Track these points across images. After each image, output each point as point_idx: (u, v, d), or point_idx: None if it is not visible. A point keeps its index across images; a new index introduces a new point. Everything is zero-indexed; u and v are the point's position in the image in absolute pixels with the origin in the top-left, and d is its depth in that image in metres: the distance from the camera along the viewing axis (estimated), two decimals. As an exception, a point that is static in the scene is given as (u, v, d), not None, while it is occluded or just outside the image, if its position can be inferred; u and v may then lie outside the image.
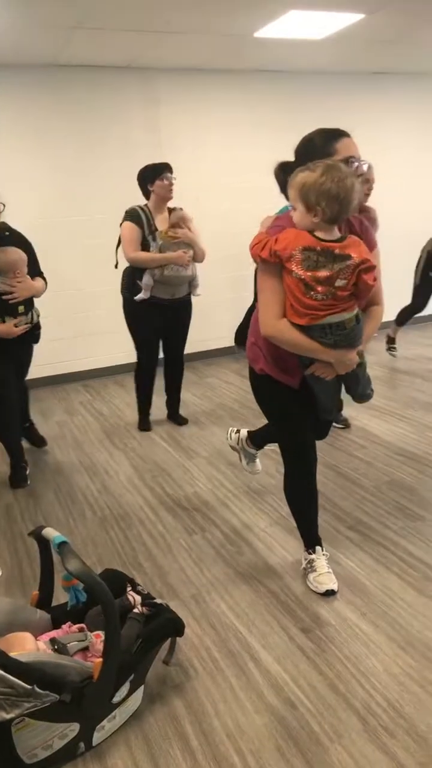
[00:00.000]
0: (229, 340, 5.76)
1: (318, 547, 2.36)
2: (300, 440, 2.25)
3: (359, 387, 2.11)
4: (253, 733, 1.73)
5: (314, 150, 1.90)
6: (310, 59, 5.25)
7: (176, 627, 1.92)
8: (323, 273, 1.81)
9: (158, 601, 1.98)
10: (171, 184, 3.66)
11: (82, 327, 5.30)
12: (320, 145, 1.91)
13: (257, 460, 2.90)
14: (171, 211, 3.75)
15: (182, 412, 4.22)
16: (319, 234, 1.84)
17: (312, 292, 1.83)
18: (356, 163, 1.91)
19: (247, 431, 2.84)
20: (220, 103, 5.41)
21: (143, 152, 5.20)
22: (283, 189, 1.99)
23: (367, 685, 1.86)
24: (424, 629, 2.07)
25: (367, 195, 3.12)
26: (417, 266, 4.94)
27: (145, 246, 3.64)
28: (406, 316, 5.20)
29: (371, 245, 1.96)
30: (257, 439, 2.80)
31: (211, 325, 5.61)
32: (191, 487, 3.23)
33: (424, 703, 1.78)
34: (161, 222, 3.71)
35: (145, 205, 3.72)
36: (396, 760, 1.61)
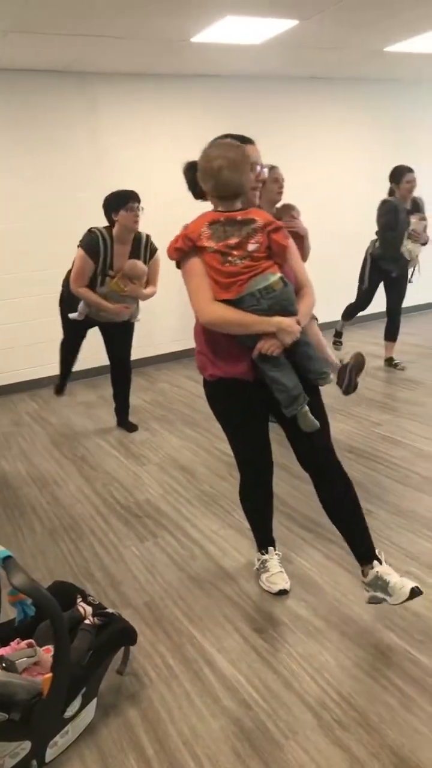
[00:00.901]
0: (178, 344, 5.76)
1: (270, 548, 2.38)
2: (254, 447, 2.25)
3: (313, 363, 2.05)
4: (209, 737, 1.73)
5: None
6: (249, 64, 5.32)
7: (129, 636, 1.90)
8: (233, 240, 1.92)
9: (110, 610, 1.95)
10: (136, 215, 3.49)
11: (28, 335, 5.19)
12: None
13: (389, 578, 2.04)
14: (137, 238, 3.63)
15: (133, 418, 4.19)
16: (220, 208, 1.97)
17: (229, 258, 1.92)
18: (258, 169, 2.04)
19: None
20: (161, 108, 5.41)
21: (84, 157, 5.17)
22: (191, 187, 2.04)
23: (320, 681, 1.89)
24: (374, 621, 2.11)
25: (279, 193, 3.33)
26: (363, 268, 4.98)
27: (93, 281, 3.56)
28: (351, 312, 5.20)
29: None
30: (355, 551, 2.17)
31: (161, 329, 5.60)
32: (142, 494, 3.21)
33: (375, 694, 1.82)
34: (120, 255, 3.56)
35: (107, 229, 3.55)
36: (349, 752, 1.64)
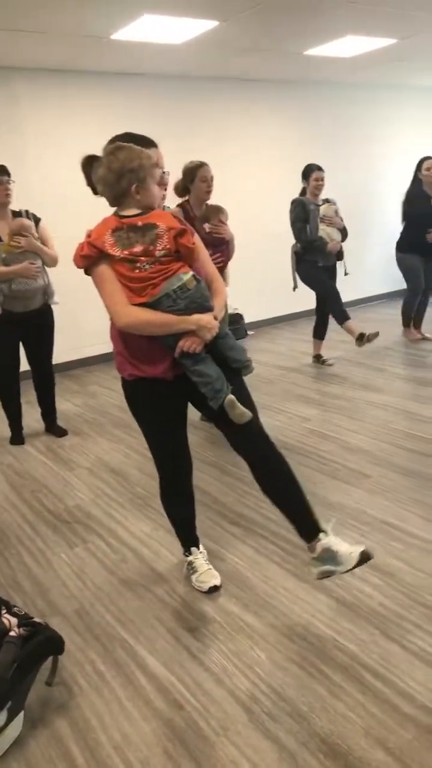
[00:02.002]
0: (108, 346, 5.67)
1: (194, 548, 2.38)
2: (172, 447, 2.25)
3: (234, 353, 2.08)
4: (141, 740, 1.71)
5: None
6: (172, 64, 5.31)
7: (55, 645, 1.86)
8: (138, 247, 1.89)
9: (37, 620, 1.90)
10: (6, 189, 3.52)
11: None
12: None
13: (337, 547, 2.03)
14: (16, 215, 3.62)
15: (61, 422, 4.10)
16: (120, 213, 1.95)
17: (138, 264, 1.90)
18: (160, 172, 2.03)
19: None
20: (84, 104, 5.33)
21: (7, 153, 5.01)
22: (89, 182, 2.01)
23: (251, 675, 1.90)
24: (303, 613, 2.15)
25: (208, 192, 3.51)
26: (292, 269, 5.03)
27: None
28: (335, 310, 4.95)
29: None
30: (301, 528, 2.11)
31: (88, 331, 5.50)
32: (72, 500, 3.14)
33: (304, 684, 1.85)
34: (1, 228, 3.55)
35: None
36: (279, 743, 1.66)
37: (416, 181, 5.36)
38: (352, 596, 2.21)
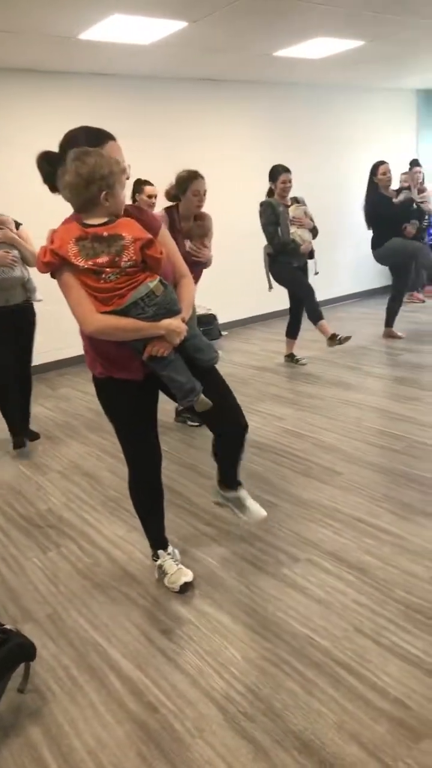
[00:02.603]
0: (77, 349, 5.61)
1: (160, 551, 2.37)
2: (141, 446, 2.25)
3: (203, 353, 2.10)
4: (115, 744, 1.69)
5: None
6: (141, 64, 5.29)
7: (27, 652, 1.83)
8: (103, 259, 1.84)
9: (8, 627, 1.87)
10: None
11: None
12: (84, 145, 1.89)
13: (247, 502, 2.47)
14: None
15: (34, 426, 4.05)
16: (85, 221, 1.88)
17: (103, 275, 1.85)
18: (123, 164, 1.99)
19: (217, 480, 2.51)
20: (54, 105, 5.28)
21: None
22: (47, 179, 1.96)
23: (226, 675, 1.90)
24: (277, 611, 2.16)
25: (199, 207, 3.45)
26: (266, 269, 5.04)
27: None
28: (311, 310, 5.01)
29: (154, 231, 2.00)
30: (226, 479, 2.45)
31: (63, 332, 5.41)
32: (45, 504, 3.11)
33: (279, 682, 1.85)
34: None
35: None
36: (254, 742, 1.66)
37: (372, 186, 5.47)
38: (326, 593, 2.23)
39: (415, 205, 5.72)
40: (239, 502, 2.46)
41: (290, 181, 4.78)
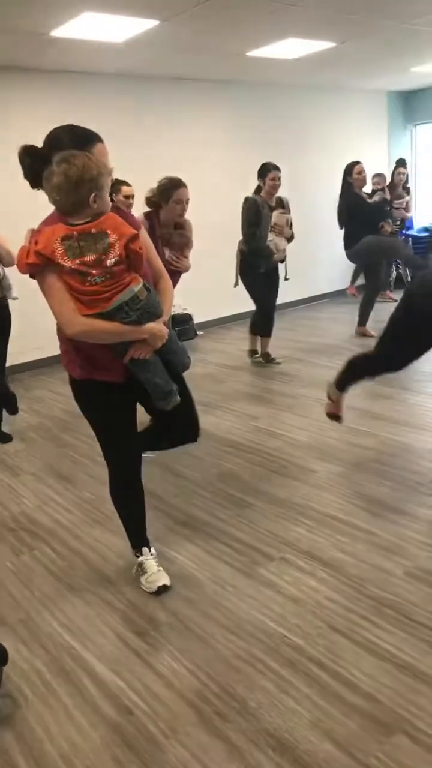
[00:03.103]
0: (55, 348, 5.56)
1: (145, 548, 2.36)
2: (122, 447, 2.24)
3: (176, 356, 2.12)
4: (89, 748, 1.68)
5: (62, 147, 1.86)
6: (114, 62, 5.26)
7: (-1, 656, 1.81)
8: (90, 257, 1.83)
9: (-21, 632, 1.85)
10: None
11: None
12: (69, 147, 1.87)
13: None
14: None
15: (6, 428, 4.00)
16: (71, 221, 1.86)
17: (89, 278, 1.84)
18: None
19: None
20: (25, 102, 5.22)
21: None
22: (28, 174, 1.94)
23: (201, 675, 1.90)
24: (251, 610, 2.17)
25: (181, 215, 3.43)
26: (237, 266, 5.03)
27: None
28: (260, 327, 5.16)
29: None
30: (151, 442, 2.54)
31: (36, 332, 5.36)
32: (17, 506, 3.07)
33: (253, 681, 1.86)
34: None
35: None
36: (229, 742, 1.66)
37: (347, 185, 5.52)
38: (300, 591, 2.24)
39: (388, 207, 5.80)
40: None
41: (279, 179, 4.75)
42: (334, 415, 3.22)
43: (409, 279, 7.35)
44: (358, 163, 5.51)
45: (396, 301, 2.97)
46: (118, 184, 4.68)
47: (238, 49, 5.16)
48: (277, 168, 4.76)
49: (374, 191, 5.87)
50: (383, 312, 6.49)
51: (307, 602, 2.18)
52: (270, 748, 1.63)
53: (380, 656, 1.91)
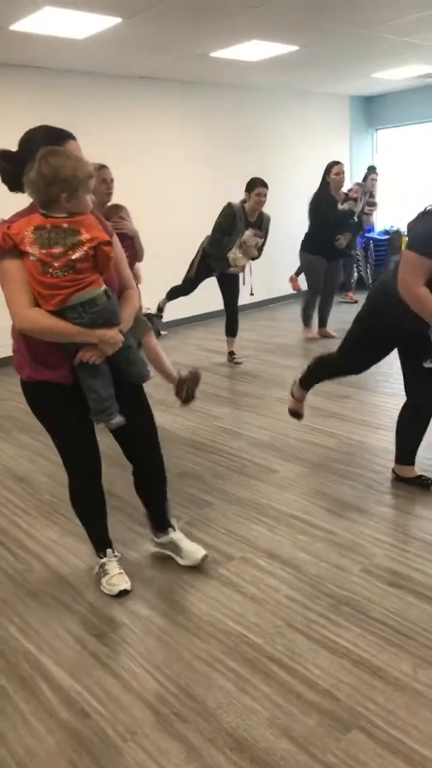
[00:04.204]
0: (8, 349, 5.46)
1: (108, 550, 2.34)
2: (79, 452, 2.21)
3: (134, 367, 2.10)
4: (45, 754, 1.66)
5: (37, 148, 1.85)
6: (75, 59, 5.20)
7: None
8: (57, 249, 1.83)
9: None
10: None
11: None
12: (43, 145, 1.87)
13: (182, 543, 2.45)
14: None
15: (-37, 428, 3.92)
16: (48, 213, 1.87)
17: (50, 269, 1.84)
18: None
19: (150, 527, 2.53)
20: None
21: None
22: (5, 178, 1.95)
23: (159, 677, 1.89)
24: (211, 610, 2.17)
25: (108, 194, 3.43)
26: (193, 260, 5.07)
27: None
28: (175, 293, 5.25)
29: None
30: (155, 521, 2.47)
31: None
32: (-26, 509, 3.01)
33: (212, 681, 1.86)
34: None
35: None
36: (187, 743, 1.66)
37: (324, 185, 5.56)
38: (259, 590, 2.26)
39: (355, 218, 5.85)
40: (174, 546, 2.41)
41: (265, 196, 4.77)
42: (296, 413, 3.30)
43: (371, 281, 7.50)
44: (338, 163, 5.50)
45: (357, 302, 3.02)
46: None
47: (200, 50, 5.16)
48: (264, 185, 4.77)
49: (347, 198, 5.87)
50: (348, 314, 6.63)
51: (267, 601, 2.20)
52: (228, 748, 1.64)
53: (337, 652, 1.93)
